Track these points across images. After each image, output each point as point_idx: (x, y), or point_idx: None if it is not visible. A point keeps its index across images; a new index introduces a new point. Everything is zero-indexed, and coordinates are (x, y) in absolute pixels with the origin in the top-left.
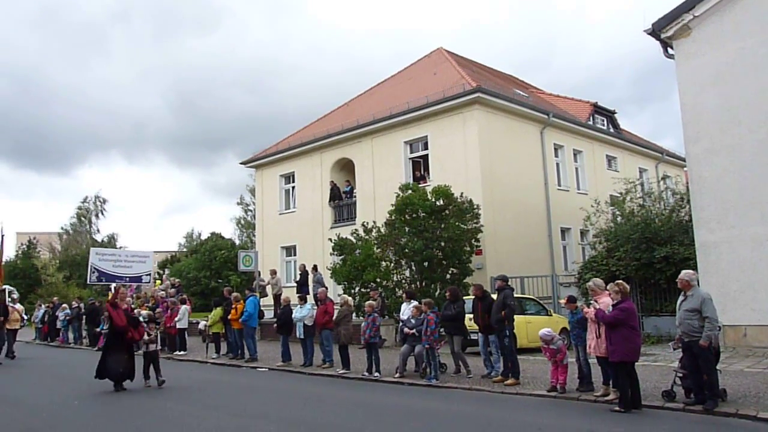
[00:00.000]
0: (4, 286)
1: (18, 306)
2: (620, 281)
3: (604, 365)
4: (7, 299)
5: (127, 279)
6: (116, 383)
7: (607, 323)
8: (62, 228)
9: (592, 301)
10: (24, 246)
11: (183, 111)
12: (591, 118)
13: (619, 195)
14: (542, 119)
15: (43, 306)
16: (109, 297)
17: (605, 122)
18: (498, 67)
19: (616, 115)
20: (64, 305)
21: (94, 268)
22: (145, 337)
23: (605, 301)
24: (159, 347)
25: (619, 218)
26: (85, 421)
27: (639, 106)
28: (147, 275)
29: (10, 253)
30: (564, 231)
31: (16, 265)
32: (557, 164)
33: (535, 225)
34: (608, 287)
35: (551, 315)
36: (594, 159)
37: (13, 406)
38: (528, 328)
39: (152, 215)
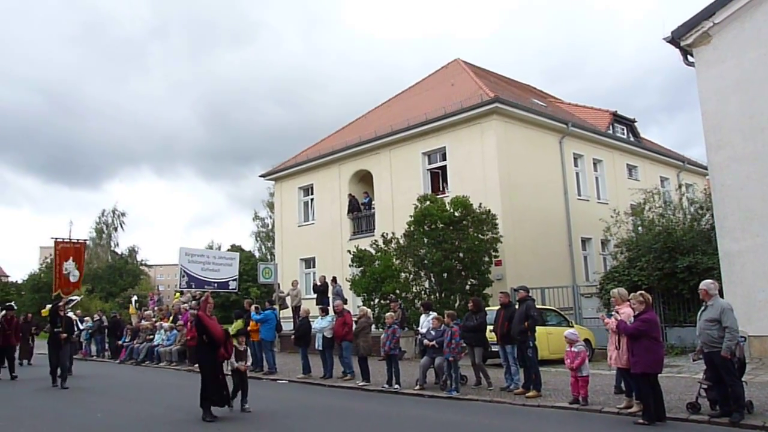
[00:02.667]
0: (72, 297)
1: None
2: (642, 292)
3: (625, 377)
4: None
5: (215, 285)
6: (209, 410)
7: (629, 335)
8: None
9: (613, 312)
10: (48, 260)
11: (214, 124)
12: (611, 127)
13: (638, 204)
14: (561, 129)
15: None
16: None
17: (625, 131)
18: (528, 75)
19: (636, 123)
20: (87, 318)
21: (184, 272)
22: (236, 353)
23: (626, 312)
24: (249, 363)
25: (640, 228)
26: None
27: (670, 114)
28: (234, 280)
29: (34, 266)
30: (585, 241)
31: (40, 279)
32: (577, 174)
33: (555, 235)
34: (630, 297)
35: (572, 326)
36: (614, 168)
37: (37, 418)
38: (549, 339)
39: (178, 228)
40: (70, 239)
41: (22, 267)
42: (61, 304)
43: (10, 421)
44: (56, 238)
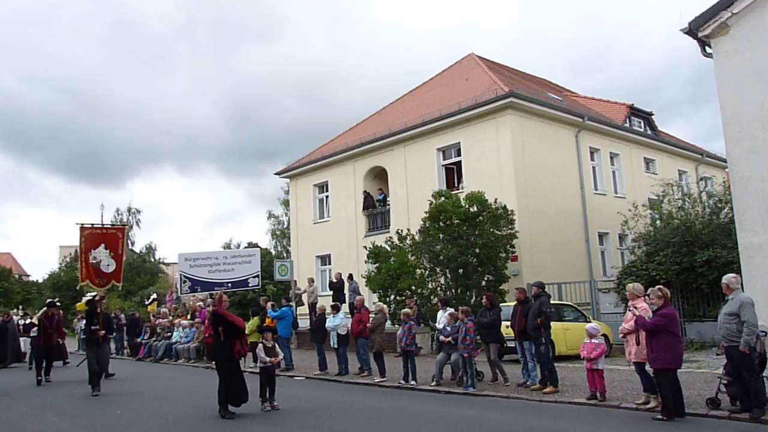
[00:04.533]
0: (95, 293)
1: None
2: (661, 286)
3: (643, 372)
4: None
5: (230, 285)
6: (227, 407)
7: (648, 330)
8: None
9: (631, 308)
10: (67, 259)
11: (237, 122)
12: (627, 120)
13: (656, 197)
14: (577, 122)
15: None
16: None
17: (642, 124)
18: (553, 67)
19: (653, 116)
20: None
21: (186, 277)
22: (262, 348)
23: (642, 306)
24: (278, 359)
25: (658, 222)
26: (124, 428)
27: (696, 106)
28: (254, 277)
29: (54, 265)
30: (602, 236)
31: (59, 278)
32: (593, 168)
33: (571, 230)
34: (649, 291)
35: (590, 321)
36: (631, 162)
37: (56, 414)
38: (566, 335)
39: (199, 226)
40: (102, 224)
41: (43, 267)
42: (97, 298)
43: (30, 418)
44: (82, 224)
